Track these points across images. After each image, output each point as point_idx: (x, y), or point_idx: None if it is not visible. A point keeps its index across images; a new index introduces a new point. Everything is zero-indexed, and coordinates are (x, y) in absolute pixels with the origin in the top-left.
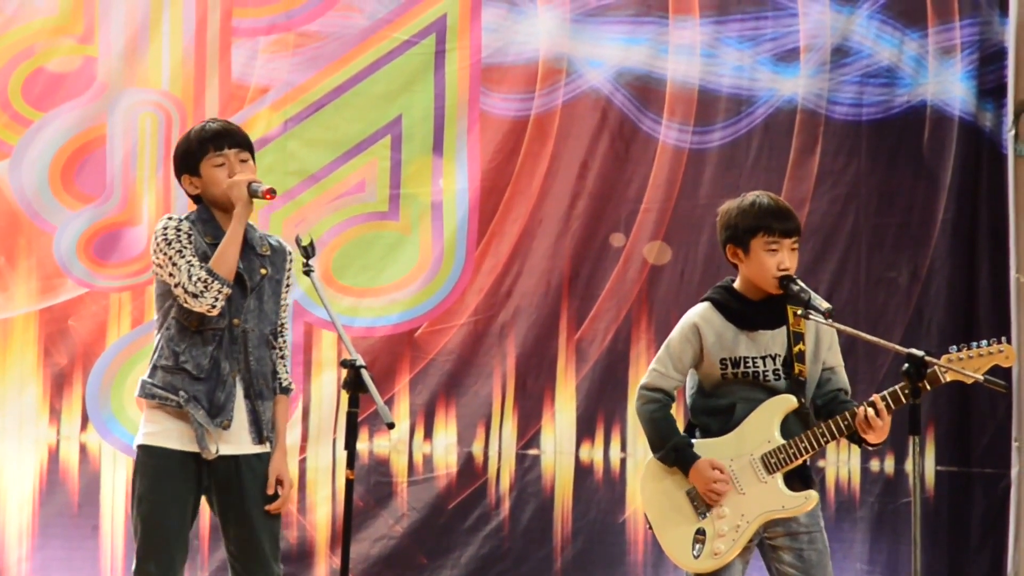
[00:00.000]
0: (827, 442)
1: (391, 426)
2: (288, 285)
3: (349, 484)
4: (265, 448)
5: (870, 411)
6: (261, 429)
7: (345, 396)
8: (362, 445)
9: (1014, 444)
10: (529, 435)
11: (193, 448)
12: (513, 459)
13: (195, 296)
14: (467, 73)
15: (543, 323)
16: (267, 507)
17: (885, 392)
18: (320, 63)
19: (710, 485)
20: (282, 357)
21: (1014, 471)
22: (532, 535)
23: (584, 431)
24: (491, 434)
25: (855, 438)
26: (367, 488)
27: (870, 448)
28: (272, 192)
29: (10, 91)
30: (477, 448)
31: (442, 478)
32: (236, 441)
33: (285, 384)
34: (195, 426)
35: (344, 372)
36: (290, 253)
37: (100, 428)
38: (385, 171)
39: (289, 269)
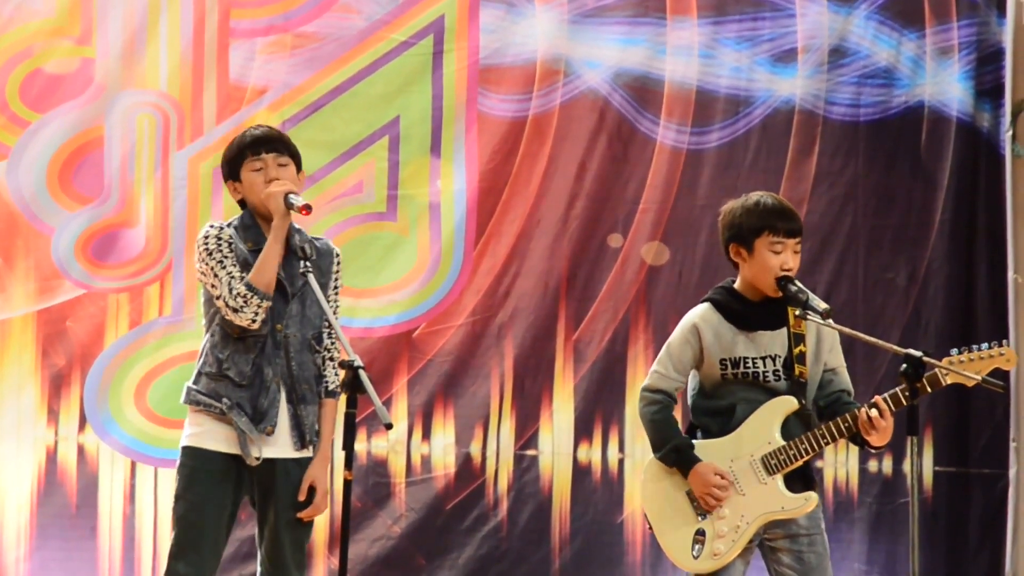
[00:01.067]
0: (827, 444)
1: (389, 427)
2: (337, 288)
3: (347, 485)
4: (307, 453)
5: (872, 412)
6: (304, 434)
7: (343, 397)
8: (360, 446)
9: (1012, 444)
10: (527, 436)
11: (236, 450)
12: (511, 460)
13: (235, 311)
14: (465, 74)
15: (541, 324)
16: (298, 514)
17: (886, 394)
18: (318, 64)
19: (708, 489)
20: (331, 359)
21: (1012, 471)
22: (530, 536)
23: (582, 432)
24: (489, 435)
25: (857, 439)
26: (365, 489)
27: (872, 451)
28: (308, 208)
29: (8, 92)
30: (475, 449)
31: (440, 479)
32: (278, 445)
33: (332, 388)
34: (238, 432)
35: (342, 373)
36: (338, 255)
37: (98, 429)
38: (383, 172)
39: (337, 271)
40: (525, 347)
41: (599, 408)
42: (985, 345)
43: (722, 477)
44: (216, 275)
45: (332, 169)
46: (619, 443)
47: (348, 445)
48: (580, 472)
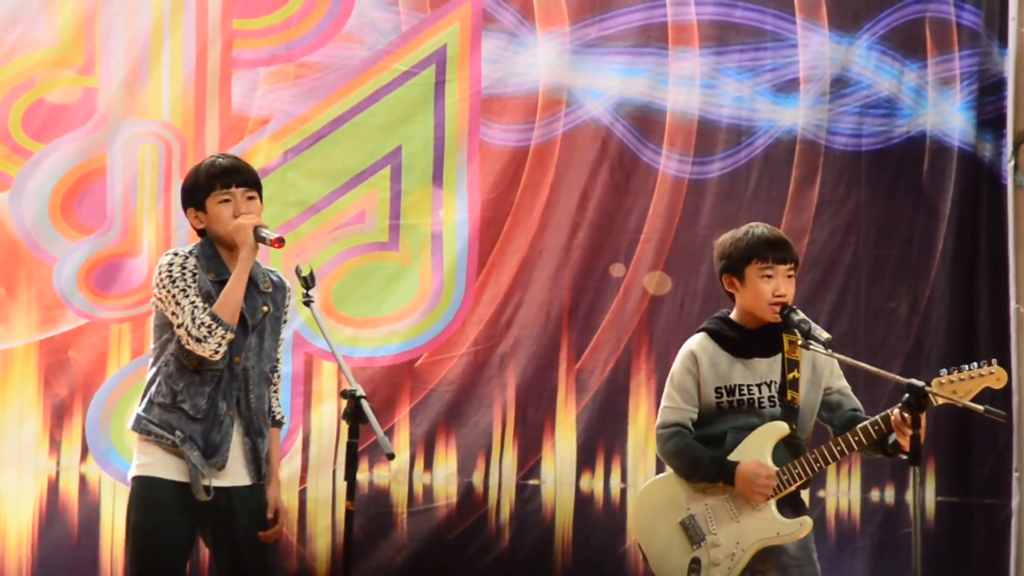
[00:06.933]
0: (820, 467)
1: (391, 456)
2: (286, 321)
3: (349, 515)
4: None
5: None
6: (260, 467)
7: (345, 426)
8: (362, 475)
9: (1014, 474)
10: (529, 465)
11: (188, 479)
12: (513, 489)
13: (198, 341)
14: (467, 104)
15: (543, 353)
16: (261, 534)
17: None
18: (320, 94)
19: (759, 484)
20: (275, 391)
21: (1015, 501)
22: (532, 566)
23: (584, 461)
24: (491, 464)
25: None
26: (367, 519)
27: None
28: (281, 241)
29: (10, 123)
30: (477, 478)
31: (442, 508)
32: (230, 475)
33: (278, 417)
34: (189, 466)
35: (344, 402)
36: (290, 289)
37: (100, 459)
38: (385, 202)
39: (288, 305)
40: (527, 377)
41: (601, 438)
42: (975, 364)
43: (765, 467)
44: (178, 303)
45: (334, 199)
46: (621, 473)
47: (350, 475)
48: (582, 502)
